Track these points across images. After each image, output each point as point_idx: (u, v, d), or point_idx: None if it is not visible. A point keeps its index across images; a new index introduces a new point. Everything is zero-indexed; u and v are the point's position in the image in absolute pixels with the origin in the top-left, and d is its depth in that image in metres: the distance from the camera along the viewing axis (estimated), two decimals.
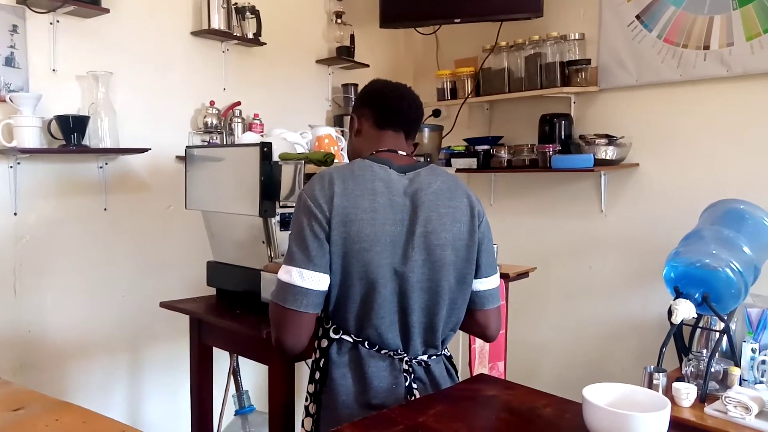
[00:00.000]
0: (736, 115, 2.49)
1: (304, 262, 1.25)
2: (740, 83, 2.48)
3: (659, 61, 2.65)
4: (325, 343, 1.34)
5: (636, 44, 2.71)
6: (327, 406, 1.32)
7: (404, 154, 1.42)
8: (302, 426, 1.40)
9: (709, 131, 2.57)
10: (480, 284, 1.39)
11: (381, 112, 1.43)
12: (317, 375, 1.35)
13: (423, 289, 1.31)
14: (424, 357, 1.36)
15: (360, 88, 1.57)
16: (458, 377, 1.45)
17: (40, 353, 2.19)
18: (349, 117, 3.07)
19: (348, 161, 1.45)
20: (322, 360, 1.34)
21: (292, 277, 1.25)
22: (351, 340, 1.32)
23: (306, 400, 1.39)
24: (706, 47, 2.52)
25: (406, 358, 1.33)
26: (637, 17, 2.71)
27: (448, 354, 1.45)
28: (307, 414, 1.38)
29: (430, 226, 1.31)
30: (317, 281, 1.25)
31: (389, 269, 1.28)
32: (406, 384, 1.32)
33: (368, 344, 1.31)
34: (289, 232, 1.32)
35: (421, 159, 1.47)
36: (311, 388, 1.37)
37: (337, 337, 1.33)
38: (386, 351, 1.32)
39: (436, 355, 1.38)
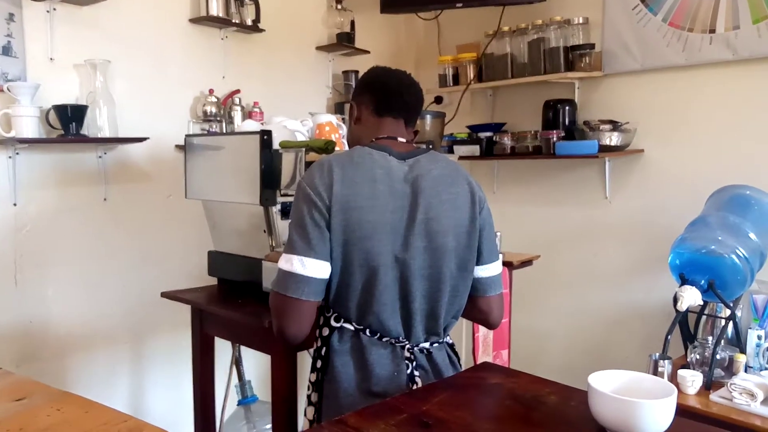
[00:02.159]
0: (743, 100, 2.47)
1: (305, 250, 1.24)
2: (747, 67, 2.44)
3: (664, 45, 2.62)
4: (326, 331, 1.34)
5: (641, 28, 2.68)
6: (329, 395, 1.31)
7: (404, 140, 1.41)
8: (304, 415, 1.39)
9: (715, 116, 2.54)
10: (482, 271, 1.39)
11: (380, 99, 1.42)
12: (319, 364, 1.35)
13: (424, 276, 1.30)
14: (426, 344, 1.35)
15: (361, 75, 1.56)
16: (461, 365, 1.45)
17: (41, 344, 2.19)
18: (349, 104, 3.07)
19: (348, 149, 1.44)
20: (324, 348, 1.34)
21: (293, 266, 1.24)
22: (352, 328, 1.31)
23: (308, 389, 1.38)
24: (712, 30, 2.49)
25: (407, 346, 1.32)
26: (642, 0, 2.67)
27: (451, 342, 1.44)
28: (309, 403, 1.37)
29: (431, 213, 1.30)
30: (318, 269, 1.25)
31: (390, 256, 1.27)
32: (408, 371, 1.31)
33: (370, 332, 1.31)
34: (289, 221, 1.31)
35: (423, 146, 1.46)
36: (313, 377, 1.37)
37: (338, 325, 1.32)
38: (388, 338, 1.31)
39: (438, 343, 1.38)
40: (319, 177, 1.27)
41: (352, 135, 1.48)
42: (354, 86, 1.55)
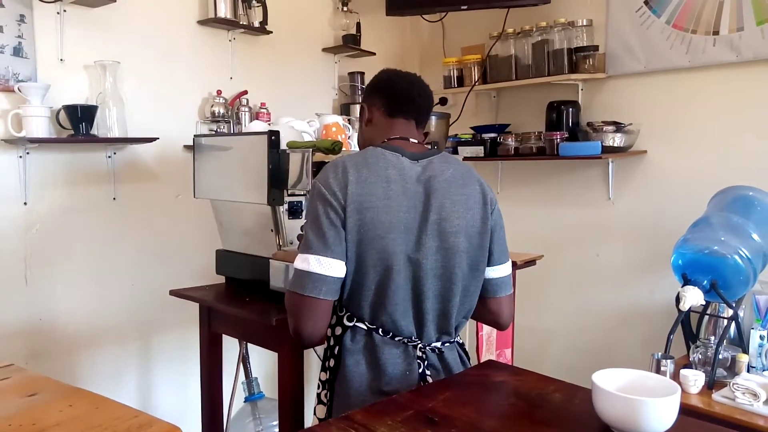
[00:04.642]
0: (746, 101, 2.47)
1: (321, 249, 1.25)
2: (750, 69, 2.45)
3: (668, 47, 2.63)
4: (339, 330, 1.35)
5: (644, 30, 2.69)
6: (340, 393, 1.32)
7: (415, 141, 1.41)
8: (314, 413, 1.40)
9: (718, 117, 2.55)
10: (492, 272, 1.40)
11: (392, 101, 1.43)
12: (331, 363, 1.35)
13: (436, 276, 1.31)
14: (438, 344, 1.36)
15: (366, 77, 1.58)
16: (470, 364, 1.46)
17: (51, 342, 2.21)
18: (355, 105, 3.09)
19: (358, 150, 1.45)
20: (336, 347, 1.34)
21: (310, 265, 1.25)
22: (365, 327, 1.32)
23: (318, 388, 1.39)
24: (716, 32, 2.50)
25: (419, 345, 1.33)
26: (645, 3, 2.68)
27: (461, 341, 1.45)
28: (320, 401, 1.38)
29: (444, 213, 1.31)
30: (335, 268, 1.25)
31: (403, 256, 1.28)
32: (420, 371, 1.32)
33: (382, 331, 1.31)
34: (304, 221, 1.32)
35: (428, 147, 1.47)
36: (324, 376, 1.37)
37: (351, 324, 1.33)
38: (400, 338, 1.32)
39: (450, 342, 1.39)
40: (334, 177, 1.28)
41: (364, 137, 1.49)
42: (364, 88, 1.55)
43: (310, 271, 1.25)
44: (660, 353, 2.12)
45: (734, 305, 2.12)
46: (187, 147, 2.51)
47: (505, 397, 1.20)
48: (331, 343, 1.37)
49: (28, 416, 1.08)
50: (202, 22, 2.58)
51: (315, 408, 1.40)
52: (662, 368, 2.07)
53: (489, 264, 1.39)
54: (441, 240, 1.31)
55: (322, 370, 1.39)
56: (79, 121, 2.13)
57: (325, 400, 1.37)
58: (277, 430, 2.26)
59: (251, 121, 2.61)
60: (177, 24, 2.52)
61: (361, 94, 3.06)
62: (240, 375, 2.47)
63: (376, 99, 1.45)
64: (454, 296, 1.33)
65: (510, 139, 3.00)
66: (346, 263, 1.27)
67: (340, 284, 1.28)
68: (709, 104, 2.57)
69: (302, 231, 1.39)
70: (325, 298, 1.26)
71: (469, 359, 1.45)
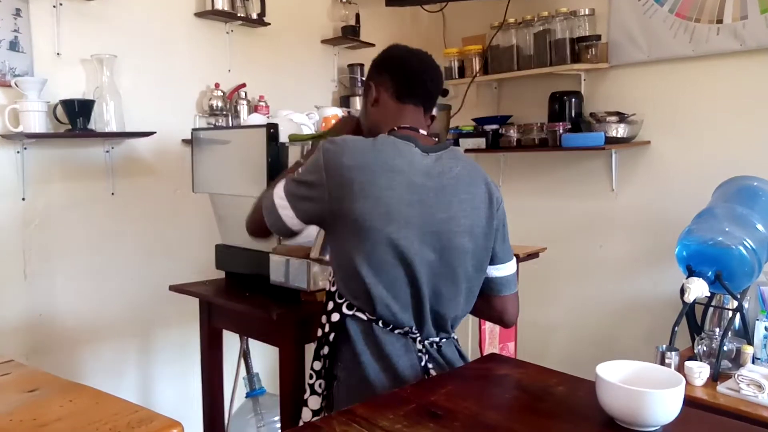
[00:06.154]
0: (750, 90, 2.45)
1: (292, 200, 1.30)
2: (754, 57, 2.43)
3: (671, 36, 2.60)
4: (336, 317, 1.30)
5: (647, 19, 2.67)
6: (345, 384, 1.29)
7: (425, 133, 1.36)
8: (306, 405, 1.34)
9: (722, 107, 2.53)
10: (497, 271, 1.37)
11: (402, 83, 1.35)
12: (325, 350, 1.31)
13: (438, 275, 1.27)
14: (437, 339, 1.33)
15: (366, 69, 1.51)
16: (469, 359, 1.44)
17: (51, 337, 2.21)
18: (355, 97, 3.07)
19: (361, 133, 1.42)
20: (332, 335, 1.30)
21: (279, 205, 1.31)
22: (365, 317, 1.28)
23: (311, 378, 1.33)
24: (719, 21, 2.47)
25: (419, 338, 1.30)
26: None
27: (456, 337, 1.43)
28: (313, 392, 1.33)
29: (451, 212, 1.27)
30: (293, 223, 1.31)
31: (405, 251, 1.23)
32: (422, 364, 1.29)
33: (382, 323, 1.27)
34: (302, 166, 1.33)
35: (435, 139, 1.42)
36: (318, 365, 1.32)
37: (350, 313, 1.28)
38: (400, 330, 1.29)
39: (447, 338, 1.36)
40: (338, 155, 1.24)
41: (370, 118, 1.41)
42: (371, 64, 1.45)
43: (277, 208, 1.30)
44: (664, 345, 2.11)
45: (739, 296, 2.10)
46: (185, 141, 2.49)
47: (508, 390, 1.20)
48: (326, 329, 1.31)
49: (29, 412, 1.08)
50: (199, 15, 2.56)
51: (307, 399, 1.34)
52: (667, 360, 2.06)
53: (493, 263, 1.35)
54: (446, 239, 1.26)
55: (315, 359, 1.33)
56: (76, 116, 2.12)
57: (319, 390, 1.32)
58: (278, 425, 2.25)
59: (250, 114, 2.59)
60: (174, 16, 2.50)
61: (361, 86, 3.03)
62: (241, 370, 2.46)
63: (386, 78, 1.37)
64: (457, 296, 1.30)
65: (512, 131, 2.98)
66: (344, 253, 1.27)
67: (294, 234, 1.34)
68: (713, 94, 2.55)
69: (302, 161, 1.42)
70: (276, 234, 1.36)
71: (464, 354, 1.43)
